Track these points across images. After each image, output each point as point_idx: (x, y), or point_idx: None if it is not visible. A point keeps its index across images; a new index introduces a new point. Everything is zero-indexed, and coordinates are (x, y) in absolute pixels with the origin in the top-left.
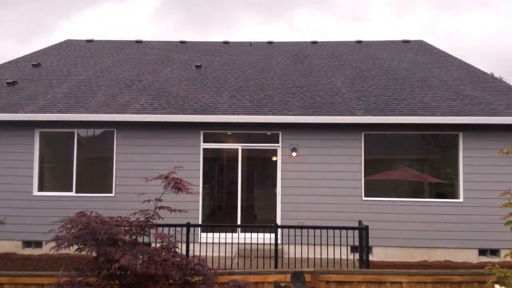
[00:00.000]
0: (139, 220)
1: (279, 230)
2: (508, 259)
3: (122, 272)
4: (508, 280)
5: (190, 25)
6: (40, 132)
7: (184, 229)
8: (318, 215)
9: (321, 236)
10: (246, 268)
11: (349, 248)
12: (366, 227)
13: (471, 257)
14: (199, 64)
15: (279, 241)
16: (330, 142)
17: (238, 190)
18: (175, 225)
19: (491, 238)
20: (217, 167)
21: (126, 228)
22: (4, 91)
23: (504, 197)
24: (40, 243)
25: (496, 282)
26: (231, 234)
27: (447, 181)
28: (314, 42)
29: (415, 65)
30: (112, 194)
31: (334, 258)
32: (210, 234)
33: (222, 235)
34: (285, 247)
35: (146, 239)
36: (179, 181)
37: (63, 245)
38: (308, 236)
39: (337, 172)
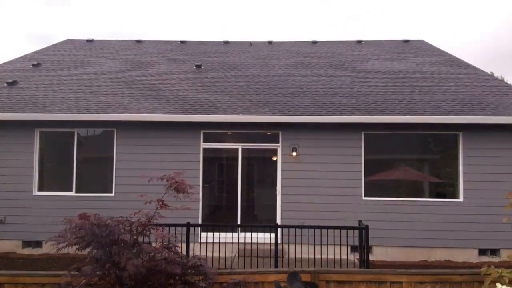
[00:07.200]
0: (140, 220)
1: (279, 230)
2: (508, 259)
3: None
4: (503, 279)
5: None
6: (40, 132)
7: (184, 228)
8: (318, 214)
9: (321, 235)
10: (246, 267)
11: (349, 248)
12: (366, 227)
13: (471, 257)
14: (199, 64)
15: (279, 241)
16: (330, 142)
17: (238, 189)
18: (175, 225)
19: (491, 238)
20: (217, 167)
21: (127, 228)
22: (4, 91)
23: (509, 198)
24: (40, 243)
25: (496, 282)
26: (231, 233)
27: (447, 181)
28: (314, 42)
29: (415, 65)
30: (112, 194)
31: (334, 258)
32: (210, 234)
33: (222, 234)
34: (285, 246)
35: (146, 239)
36: (182, 184)
37: (64, 246)
38: (308, 235)
39: (337, 172)
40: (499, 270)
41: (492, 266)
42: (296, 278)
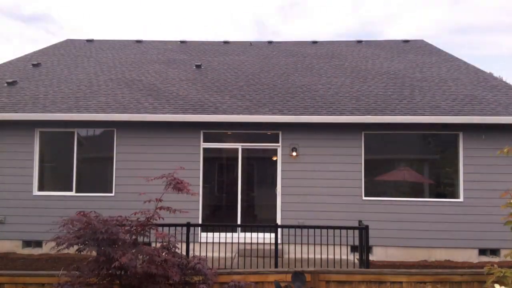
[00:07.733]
0: (139, 220)
1: (279, 230)
2: (508, 259)
3: (122, 272)
4: (507, 279)
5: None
6: (40, 132)
7: (184, 228)
8: (318, 215)
9: (321, 236)
10: (246, 267)
11: (349, 248)
12: (366, 227)
13: (471, 257)
14: (199, 64)
15: (279, 241)
16: (330, 142)
17: (238, 189)
18: (175, 225)
19: (491, 238)
20: (217, 167)
21: (126, 228)
22: (4, 91)
23: (504, 198)
24: (40, 243)
25: (496, 282)
26: (231, 233)
27: (447, 181)
28: (314, 42)
29: (415, 65)
30: (112, 194)
31: (334, 258)
32: (210, 234)
33: (222, 234)
34: (285, 246)
35: (145, 239)
36: (179, 182)
37: (63, 246)
38: (308, 236)
39: (337, 171)
40: (503, 270)
41: (495, 266)
42: (299, 278)
